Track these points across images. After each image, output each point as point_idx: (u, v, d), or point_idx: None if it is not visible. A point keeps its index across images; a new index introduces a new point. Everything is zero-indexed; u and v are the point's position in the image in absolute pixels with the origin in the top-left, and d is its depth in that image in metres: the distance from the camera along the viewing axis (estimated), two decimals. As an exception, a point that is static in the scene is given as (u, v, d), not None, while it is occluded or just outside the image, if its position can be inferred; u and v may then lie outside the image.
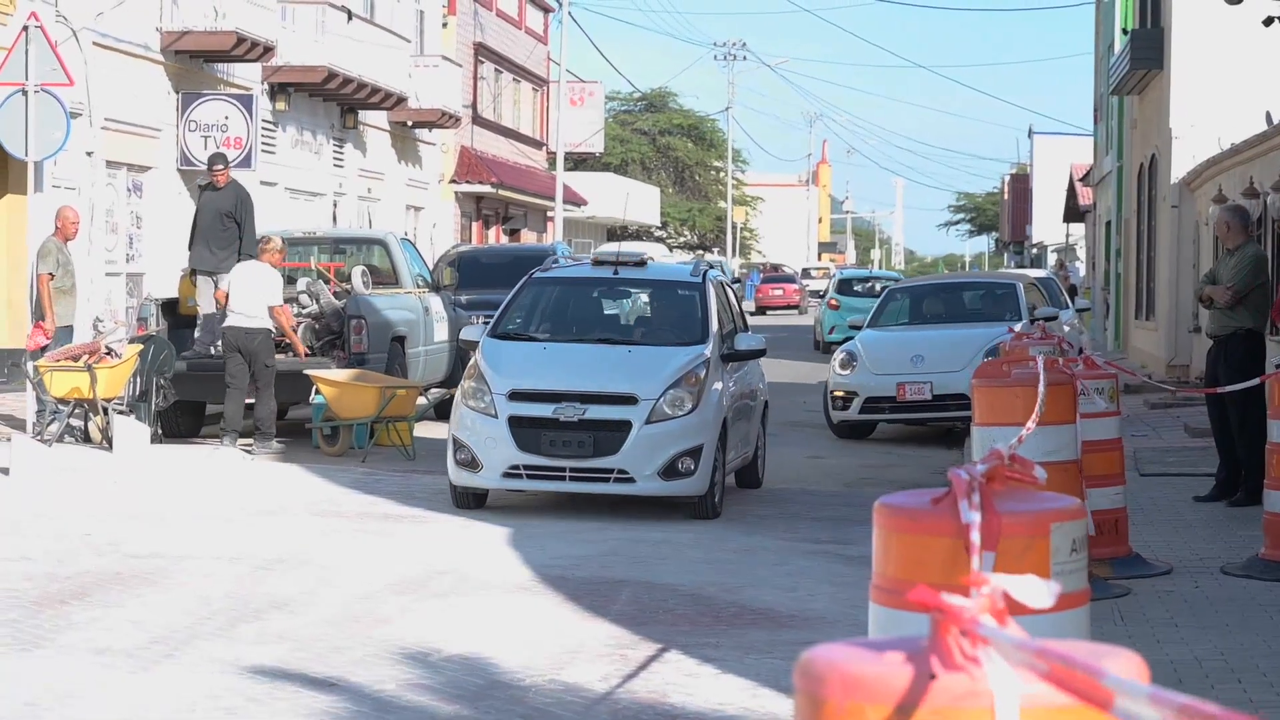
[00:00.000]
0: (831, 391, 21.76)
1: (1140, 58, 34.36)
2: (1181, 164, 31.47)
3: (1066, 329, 24.71)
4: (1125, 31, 38.51)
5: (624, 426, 13.89)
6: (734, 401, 15.53)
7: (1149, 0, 35.50)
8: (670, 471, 14.07)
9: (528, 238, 52.22)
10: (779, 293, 78.55)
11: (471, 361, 15.11)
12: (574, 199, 58.41)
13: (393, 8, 43.53)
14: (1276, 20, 19.83)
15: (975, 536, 4.02)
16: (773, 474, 19.00)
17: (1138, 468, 14.89)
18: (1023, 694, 2.73)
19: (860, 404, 21.17)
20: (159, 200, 30.80)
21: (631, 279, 16.88)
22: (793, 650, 4.34)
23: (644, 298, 17.63)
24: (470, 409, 14.12)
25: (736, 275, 68.16)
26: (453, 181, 49.93)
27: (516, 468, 13.90)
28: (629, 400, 14.11)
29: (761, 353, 16.70)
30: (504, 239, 49.15)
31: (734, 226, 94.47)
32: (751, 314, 65.79)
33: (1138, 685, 2.52)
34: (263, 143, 33.49)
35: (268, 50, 32.76)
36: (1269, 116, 24.73)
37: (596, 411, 14.01)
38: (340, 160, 40.39)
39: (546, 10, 59.52)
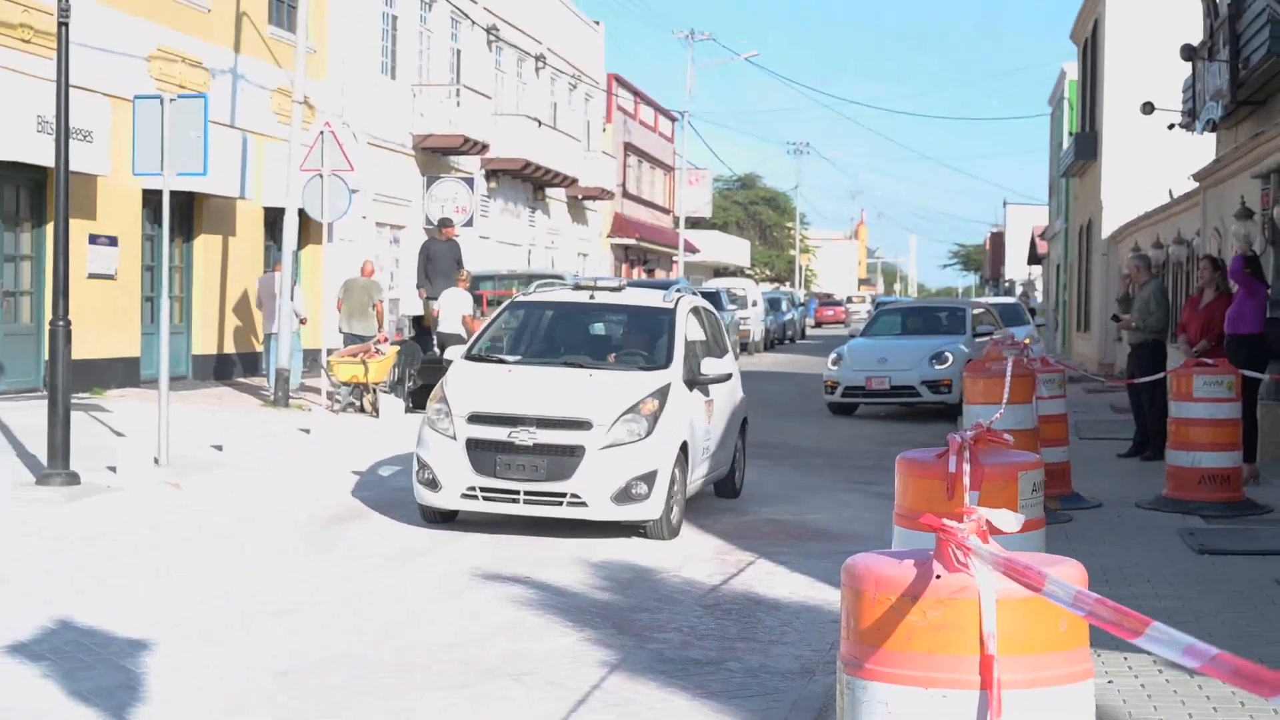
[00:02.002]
0: (824, 381, 21.88)
1: (1081, 152, 33.96)
2: (1109, 226, 31.43)
3: (1027, 339, 22.57)
4: (1071, 134, 38.31)
5: (578, 451, 10.48)
6: (705, 423, 11.87)
7: (1087, 112, 35.00)
8: (624, 496, 10.42)
9: (659, 275, 52.51)
10: (830, 313, 78.50)
11: (438, 384, 11.76)
12: (690, 248, 58.00)
13: (568, 116, 43.00)
14: (1157, 110, 20.11)
15: (965, 480, 4.47)
16: (823, 438, 18.42)
17: (1078, 433, 14.48)
18: (998, 589, 2.88)
19: (842, 390, 21.26)
20: (409, 249, 30.17)
21: (606, 304, 13.01)
22: (840, 557, 3.83)
23: (616, 323, 13.55)
24: (432, 430, 10.87)
25: (802, 300, 67.20)
26: (609, 236, 49.43)
27: (473, 489, 10.55)
28: (583, 425, 10.63)
29: (727, 377, 12.69)
30: (643, 275, 49.47)
31: (800, 267, 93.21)
32: (813, 327, 65.26)
33: (1067, 585, 2.70)
34: (480, 210, 33.45)
35: (484, 147, 32.71)
36: (1170, 193, 24.41)
37: (551, 436, 10.56)
38: (532, 222, 40.05)
39: (673, 119, 58.59)
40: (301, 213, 21.04)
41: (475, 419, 10.69)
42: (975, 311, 24.49)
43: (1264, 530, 10.23)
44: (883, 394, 21.11)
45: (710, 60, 67.75)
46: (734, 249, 73.81)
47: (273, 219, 23.92)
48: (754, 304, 42.58)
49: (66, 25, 12.28)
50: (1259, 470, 12.69)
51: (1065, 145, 39.59)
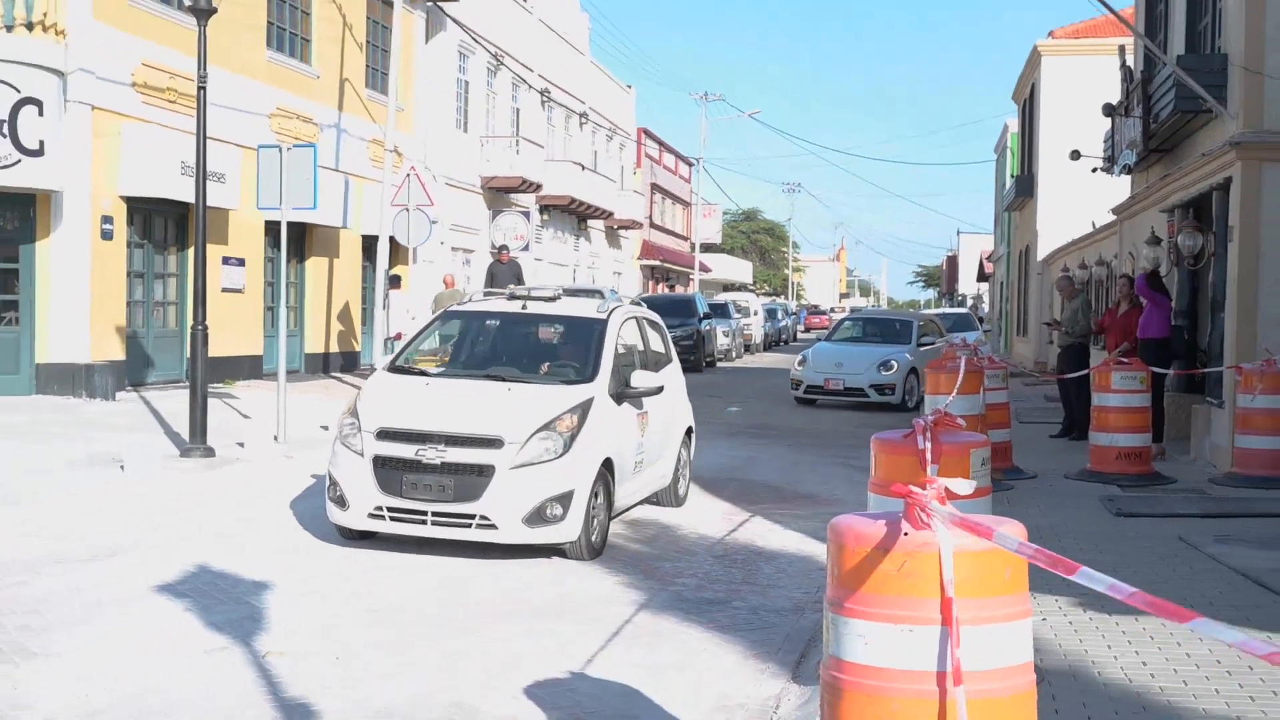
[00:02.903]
0: (791, 378, 21.22)
1: (1021, 191, 34.07)
2: (1043, 250, 31.35)
3: (977, 341, 22.74)
4: (1013, 176, 38.25)
5: (487, 471, 7.97)
6: (637, 436, 9.32)
7: (1026, 158, 35.01)
8: (537, 518, 7.90)
9: (679, 289, 52.61)
10: (817, 320, 78.34)
11: (353, 397, 9.18)
12: (704, 268, 57.89)
13: (606, 162, 42.85)
14: (1082, 156, 20.22)
15: (928, 455, 4.42)
16: (810, 422, 18.12)
17: (1018, 418, 14.49)
18: (955, 544, 2.89)
19: (804, 388, 20.56)
20: (478, 269, 30.17)
21: (539, 314, 10.12)
22: (825, 518, 3.79)
23: (547, 334, 10.53)
24: (342, 446, 8.38)
25: (794, 310, 67.09)
26: (638, 258, 49.28)
27: (380, 509, 8.06)
28: (494, 443, 8.08)
29: (659, 390, 9.69)
30: (665, 290, 49.49)
31: (792, 284, 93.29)
32: (803, 332, 64.84)
33: (1012, 537, 2.77)
34: (535, 237, 33.38)
35: (538, 186, 32.60)
36: (1093, 224, 24.37)
37: (459, 454, 8.03)
38: (576, 247, 39.94)
39: (690, 164, 58.43)
40: (392, 239, 21.09)
41: (384, 435, 8.21)
42: (921, 323, 23.18)
43: (1169, 497, 10.26)
44: (838, 393, 20.27)
45: (721, 116, 67.78)
46: (739, 269, 73.88)
47: (368, 244, 24.06)
48: (755, 313, 42.73)
49: (205, 89, 12.36)
50: (1165, 448, 12.74)
51: (1008, 185, 39.57)
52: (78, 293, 16.74)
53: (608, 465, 8.55)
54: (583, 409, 8.50)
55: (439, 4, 27.34)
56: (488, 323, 10.37)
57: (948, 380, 10.00)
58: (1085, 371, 13.53)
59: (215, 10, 12.25)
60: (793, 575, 7.75)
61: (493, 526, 7.90)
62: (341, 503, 8.20)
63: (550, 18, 36.26)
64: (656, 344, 10.86)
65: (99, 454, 11.82)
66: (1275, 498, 9.92)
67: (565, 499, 7.99)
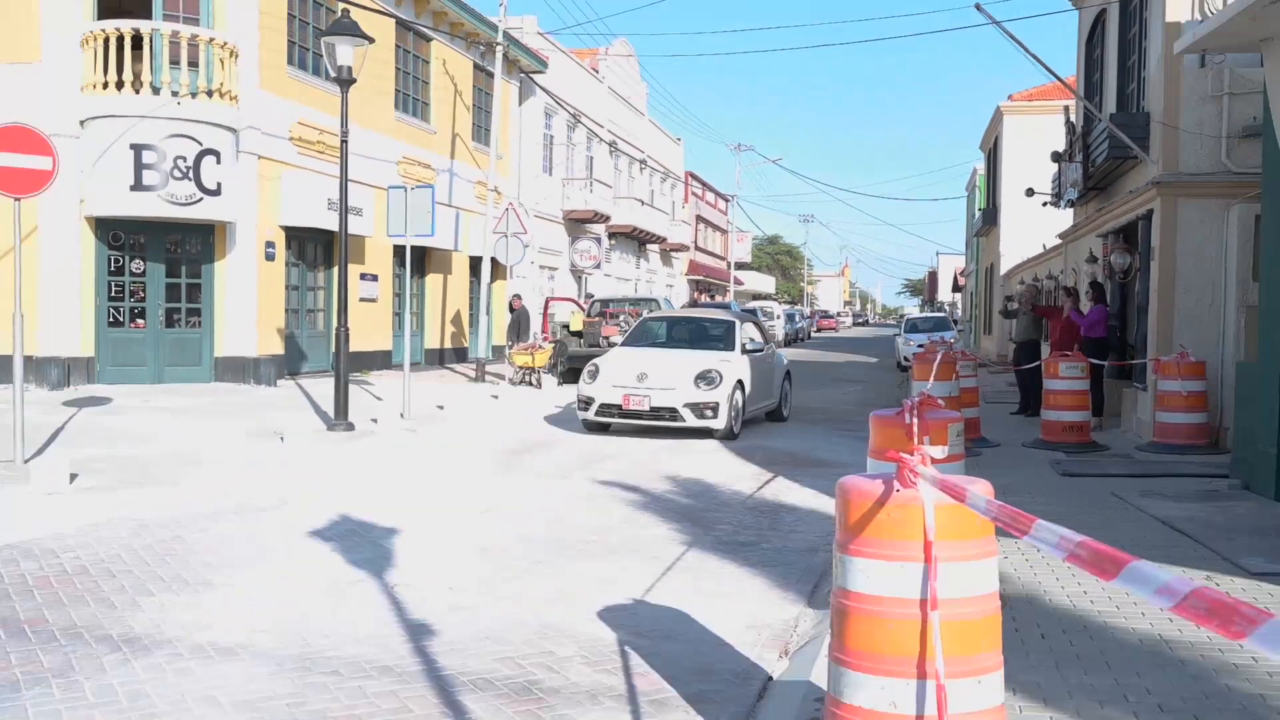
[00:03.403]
0: (578, 396, 12.68)
1: (987, 220, 33.66)
2: (1004, 267, 30.73)
3: (952, 339, 22.73)
4: (980, 209, 37.62)
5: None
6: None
7: (990, 195, 34.39)
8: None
9: (718, 298, 52.55)
10: (828, 323, 77.40)
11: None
12: (737, 282, 57.70)
13: (660, 198, 42.78)
14: (1035, 193, 19.90)
15: (915, 428, 4.82)
16: (821, 403, 17.75)
17: (984, 399, 14.36)
18: (936, 499, 2.85)
19: (596, 408, 12.36)
20: (563, 283, 30.68)
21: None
22: (834, 478, 3.58)
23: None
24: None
25: (808, 315, 66.39)
26: (686, 274, 48.94)
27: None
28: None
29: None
30: (707, 298, 49.43)
31: (806, 294, 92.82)
32: (815, 333, 63.38)
33: (981, 497, 2.67)
34: (605, 258, 33.49)
35: (607, 217, 32.72)
36: (1043, 246, 24.27)
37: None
38: (638, 265, 39.81)
39: (727, 200, 58.03)
40: (493, 260, 21.20)
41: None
42: (743, 324, 14.24)
43: (1104, 460, 10.16)
44: (641, 415, 12.18)
45: (751, 162, 67.57)
46: (765, 282, 73.20)
47: (474, 264, 24.22)
48: (778, 317, 42.88)
49: (346, 143, 12.50)
50: (1103, 422, 12.74)
51: (976, 216, 39.08)
52: (247, 302, 17.00)
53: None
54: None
55: (530, 76, 27.45)
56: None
57: (929, 369, 9.87)
58: (1037, 363, 13.43)
59: (355, 80, 12.37)
60: (808, 523, 7.72)
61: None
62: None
63: (617, 86, 36.39)
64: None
65: (264, 428, 12.01)
66: (1188, 461, 9.91)
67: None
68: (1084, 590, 5.30)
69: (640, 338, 14.14)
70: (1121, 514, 7.37)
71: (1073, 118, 16.78)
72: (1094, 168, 14.41)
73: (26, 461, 8.56)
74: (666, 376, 12.22)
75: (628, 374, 12.35)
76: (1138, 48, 13.44)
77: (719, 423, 11.98)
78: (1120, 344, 14.08)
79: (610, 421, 12.35)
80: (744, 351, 13.07)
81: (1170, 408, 10.61)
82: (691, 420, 11.97)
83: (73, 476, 8.46)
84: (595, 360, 12.91)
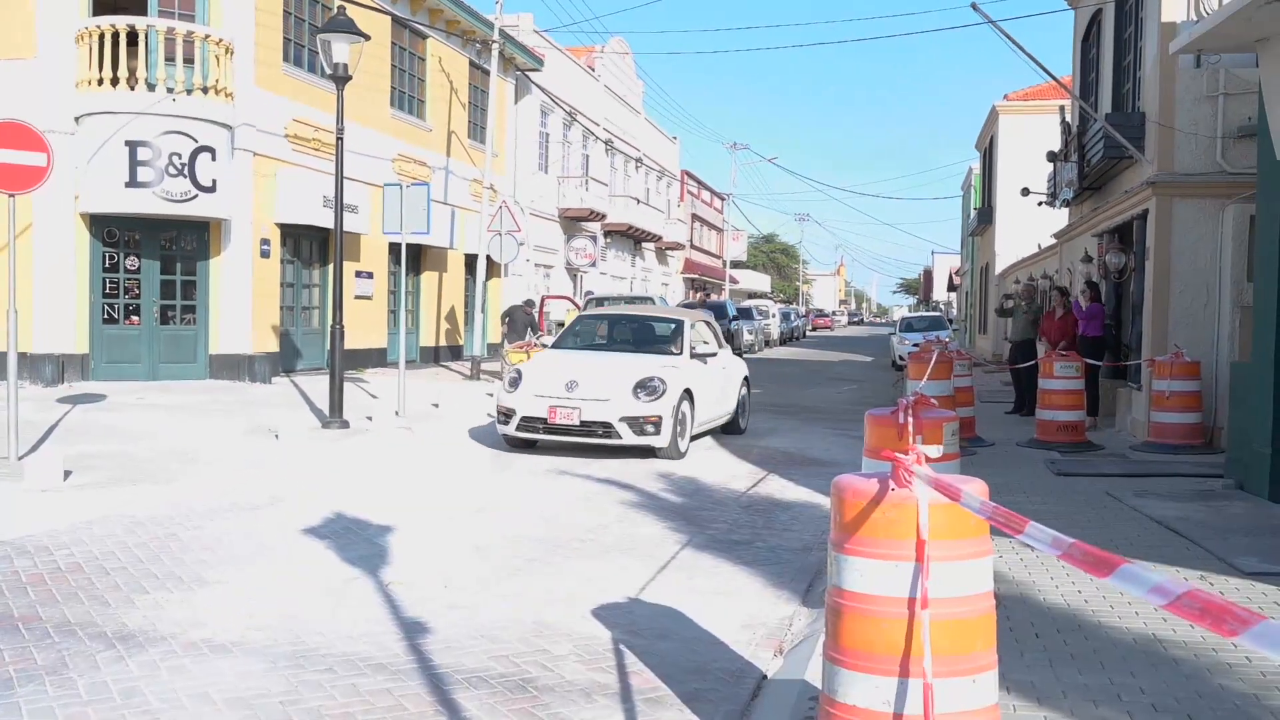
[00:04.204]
0: (498, 408, 10.66)
1: (982, 220, 33.68)
2: (999, 266, 30.70)
3: (947, 338, 23.10)
4: (975, 208, 37.59)
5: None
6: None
7: (986, 194, 34.43)
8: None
9: (713, 296, 52.69)
10: (823, 322, 77.31)
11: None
12: (733, 280, 57.72)
13: (656, 197, 42.61)
14: (1030, 193, 19.91)
15: (910, 428, 4.43)
16: (816, 401, 17.77)
17: (979, 398, 14.30)
18: (931, 498, 2.84)
19: (517, 422, 10.34)
20: (558, 281, 30.60)
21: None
22: (828, 477, 3.65)
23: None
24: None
25: (803, 314, 66.28)
26: (682, 273, 48.87)
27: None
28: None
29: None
30: (702, 297, 49.57)
31: (802, 293, 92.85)
32: (810, 331, 63.88)
33: (975, 497, 2.67)
34: (600, 256, 33.33)
35: (603, 215, 32.53)
36: (1038, 246, 24.25)
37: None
38: (633, 264, 39.71)
39: (722, 199, 58.07)
40: (488, 258, 21.18)
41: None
42: (694, 325, 12.06)
43: (1099, 460, 10.14)
44: (569, 430, 10.18)
45: (746, 161, 67.65)
46: (760, 281, 73.16)
47: (469, 261, 24.21)
48: (773, 315, 42.66)
49: (342, 140, 12.46)
50: (1098, 422, 12.70)
51: (971, 215, 39.09)
52: (242, 299, 16.95)
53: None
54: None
55: (526, 74, 27.41)
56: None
57: (925, 369, 9.83)
58: (1033, 362, 13.39)
59: (350, 78, 12.34)
60: (803, 522, 7.70)
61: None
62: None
63: (613, 84, 36.33)
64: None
65: (258, 426, 11.96)
66: (1182, 461, 9.87)
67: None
68: (1078, 589, 5.28)
69: (574, 339, 12.15)
70: (1116, 514, 7.34)
71: (1068, 117, 16.82)
72: (1089, 167, 14.43)
73: (21, 458, 8.57)
74: (600, 385, 10.26)
75: (555, 382, 10.37)
76: (1133, 47, 13.45)
77: (662, 440, 10.12)
78: (1115, 344, 14.09)
79: (535, 438, 10.38)
80: (694, 356, 11.33)
81: (1165, 407, 10.57)
82: (629, 437, 10.03)
83: (67, 473, 8.45)
84: (519, 365, 11.13)
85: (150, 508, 7.49)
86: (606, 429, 10.06)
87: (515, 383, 10.57)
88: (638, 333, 12.22)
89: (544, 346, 19.01)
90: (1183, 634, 4.57)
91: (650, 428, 10.09)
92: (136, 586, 5.50)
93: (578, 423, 10.10)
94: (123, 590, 5.42)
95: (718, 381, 11.73)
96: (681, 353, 11.32)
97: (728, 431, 12.43)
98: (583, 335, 12.30)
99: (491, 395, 16.53)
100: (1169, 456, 10.19)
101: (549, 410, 10.20)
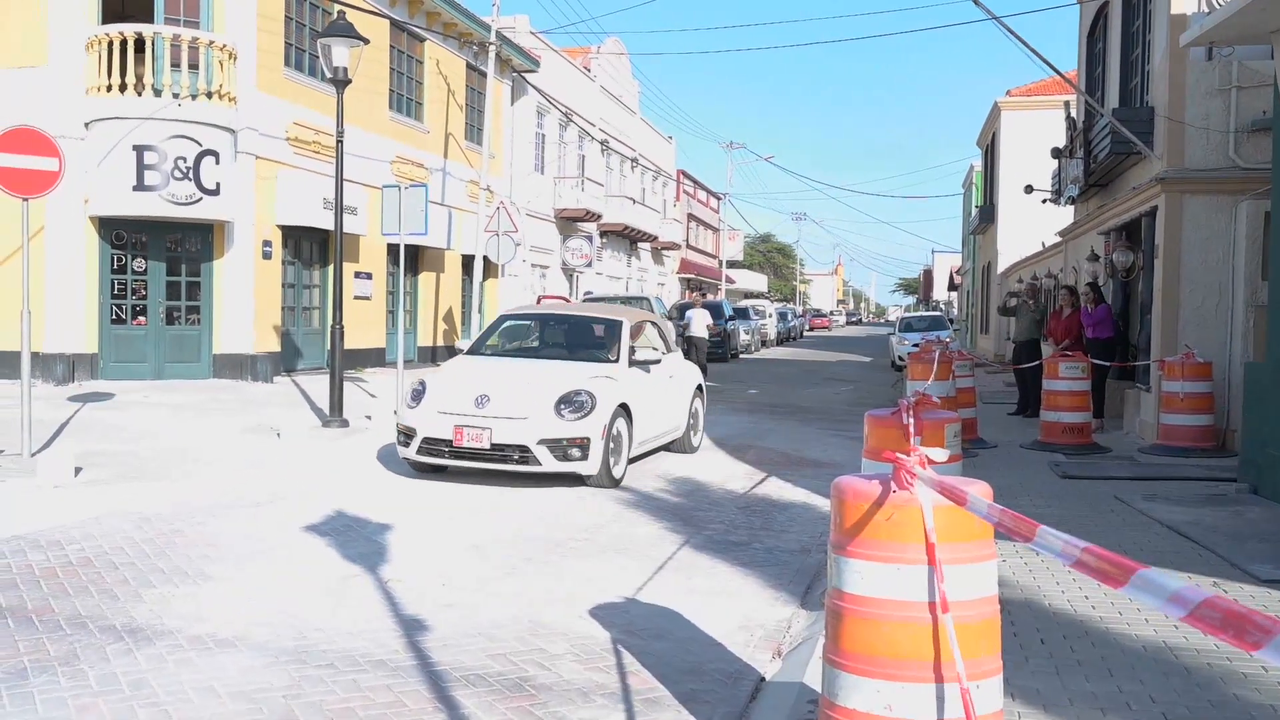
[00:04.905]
0: (398, 426, 8.98)
1: (984, 218, 33.58)
2: (1002, 266, 30.63)
3: (948, 338, 22.89)
4: (977, 206, 37.57)
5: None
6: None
7: (988, 192, 34.35)
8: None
9: (709, 296, 52.80)
10: (821, 322, 77.30)
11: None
12: (729, 280, 57.59)
13: (652, 197, 42.57)
14: (1034, 190, 19.80)
15: (911, 428, 4.67)
16: (814, 401, 17.67)
17: (982, 399, 14.34)
18: (934, 500, 2.80)
19: (419, 444, 8.66)
20: (554, 281, 30.59)
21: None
22: (827, 478, 3.61)
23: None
24: None
25: (800, 314, 66.29)
26: (678, 273, 48.82)
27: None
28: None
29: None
30: (698, 297, 49.96)
31: (800, 293, 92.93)
32: (808, 331, 64.34)
33: (981, 500, 2.60)
34: (597, 256, 33.19)
35: (599, 216, 32.57)
36: (1042, 244, 24.20)
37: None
38: (629, 264, 39.62)
39: (718, 198, 58.14)
40: (485, 258, 21.21)
41: None
42: (634, 325, 10.20)
43: (1106, 463, 10.06)
44: (479, 454, 8.45)
45: (742, 160, 67.58)
46: (757, 281, 73.10)
47: (467, 262, 24.21)
48: (770, 316, 42.52)
49: (342, 143, 12.45)
50: (1104, 424, 12.57)
51: (973, 214, 39.01)
52: (244, 299, 16.96)
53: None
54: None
55: (523, 75, 27.38)
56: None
57: (926, 369, 9.75)
58: (1038, 362, 13.30)
59: (350, 81, 12.32)
60: (801, 523, 7.65)
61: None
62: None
63: (609, 85, 36.35)
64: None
65: (260, 425, 11.97)
66: (1192, 464, 9.73)
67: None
68: (1085, 595, 5.23)
69: (491, 343, 10.24)
70: (1124, 518, 7.25)
71: (1074, 113, 16.71)
72: (1096, 164, 14.32)
73: (33, 455, 8.73)
74: (517, 400, 8.48)
75: (463, 395, 8.56)
76: (1141, 41, 13.31)
77: (590, 465, 8.38)
78: (1123, 344, 14.05)
79: (442, 463, 8.69)
80: (634, 363, 9.52)
81: (1175, 409, 10.43)
82: (549, 463, 8.33)
83: (77, 470, 8.54)
84: (424, 376, 9.20)
85: (156, 504, 7.54)
86: (523, 454, 8.30)
87: (418, 395, 8.72)
88: (568, 336, 10.37)
89: None
90: (1195, 641, 4.49)
91: (576, 451, 8.32)
92: (144, 581, 5.55)
93: (488, 446, 8.28)
94: (131, 584, 5.47)
95: (662, 393, 10.02)
96: (618, 359, 9.48)
97: (676, 451, 10.68)
98: (504, 338, 10.51)
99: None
100: (1179, 459, 10.03)
101: (455, 431, 8.36)
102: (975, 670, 2.83)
